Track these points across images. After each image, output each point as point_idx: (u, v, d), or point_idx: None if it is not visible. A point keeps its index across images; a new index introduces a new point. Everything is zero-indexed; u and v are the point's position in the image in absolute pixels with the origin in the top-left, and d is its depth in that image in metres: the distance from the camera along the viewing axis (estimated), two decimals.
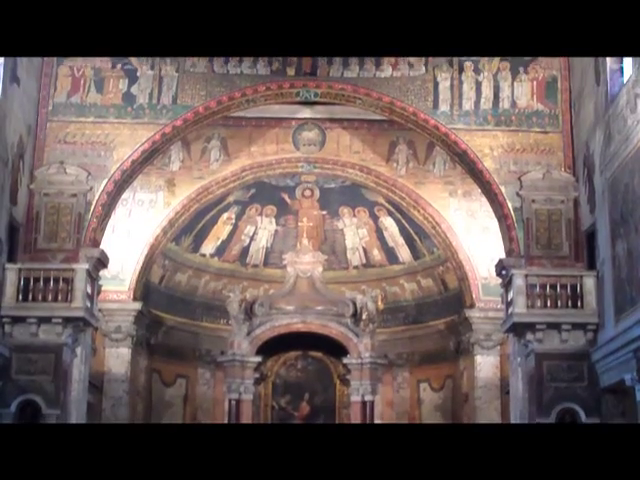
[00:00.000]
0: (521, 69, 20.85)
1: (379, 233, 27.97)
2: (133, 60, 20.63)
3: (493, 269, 21.75)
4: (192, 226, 26.60)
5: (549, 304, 19.40)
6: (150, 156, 21.10)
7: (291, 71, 20.76)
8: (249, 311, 26.39)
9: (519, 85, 20.88)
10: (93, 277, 20.08)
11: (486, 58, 20.71)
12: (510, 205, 20.34)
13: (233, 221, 27.62)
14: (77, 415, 19.71)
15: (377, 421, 26.54)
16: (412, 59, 20.77)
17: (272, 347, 26.57)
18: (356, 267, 28.71)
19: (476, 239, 25.21)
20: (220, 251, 27.96)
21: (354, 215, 27.91)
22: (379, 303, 26.39)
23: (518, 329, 19.71)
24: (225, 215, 27.33)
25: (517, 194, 20.28)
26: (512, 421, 20.56)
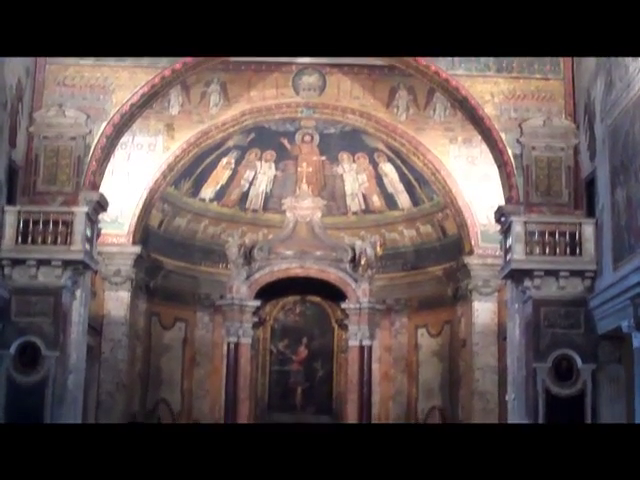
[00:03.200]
0: None
1: (379, 179, 27.93)
2: None
3: (492, 216, 21.75)
4: (191, 170, 26.55)
5: (547, 251, 19.45)
6: (149, 99, 21.01)
7: None
8: (248, 256, 26.47)
9: None
10: (92, 220, 20.09)
11: None
12: (510, 152, 20.31)
13: (232, 166, 27.56)
14: (77, 357, 19.83)
15: (374, 366, 26.74)
16: None
17: (271, 291, 26.70)
18: (355, 213, 28.71)
19: (476, 186, 25.19)
20: (219, 196, 27.94)
21: (354, 161, 27.84)
22: (378, 249, 26.47)
23: (516, 276, 19.78)
24: (224, 160, 27.26)
25: (517, 141, 20.25)
26: (508, 367, 20.71)
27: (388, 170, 27.53)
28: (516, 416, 19.91)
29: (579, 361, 19.02)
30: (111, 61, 20.37)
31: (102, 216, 21.44)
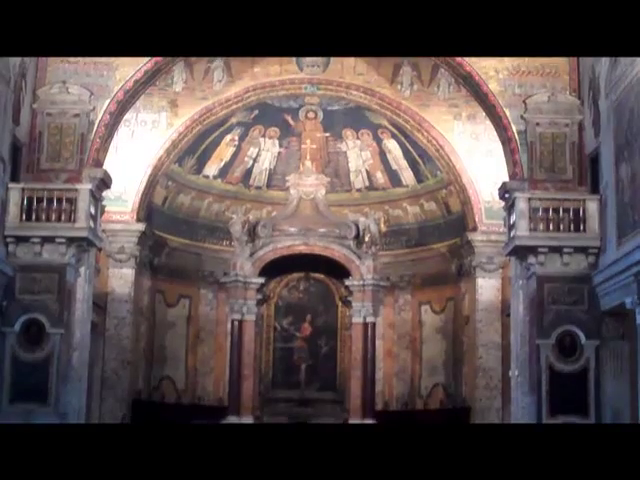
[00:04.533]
0: None
1: (382, 156, 27.88)
2: None
3: (496, 192, 21.76)
4: (195, 147, 26.53)
5: (551, 227, 19.45)
6: (153, 76, 20.96)
7: None
8: (252, 233, 26.44)
9: None
10: (96, 197, 20.10)
11: None
12: (514, 128, 20.26)
13: (236, 142, 27.52)
14: (81, 334, 19.88)
15: (378, 342, 26.76)
16: None
17: (275, 269, 26.69)
18: (359, 190, 28.68)
19: (480, 162, 25.16)
20: (223, 173, 27.92)
21: (358, 137, 27.78)
22: (382, 226, 26.45)
23: (520, 252, 19.78)
24: (228, 136, 27.21)
25: (521, 117, 20.19)
26: (512, 343, 20.73)
27: (392, 147, 27.48)
28: (519, 392, 19.95)
29: (582, 337, 19.05)
30: None
31: (106, 193, 21.46)
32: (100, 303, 23.87)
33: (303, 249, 26.43)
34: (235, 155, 27.79)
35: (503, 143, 20.87)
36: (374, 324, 26.14)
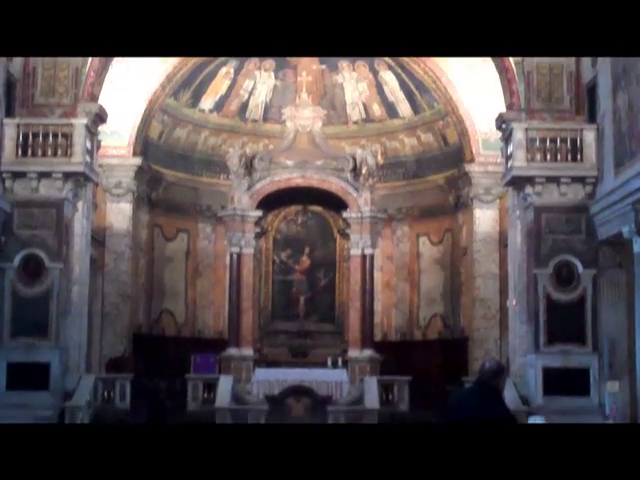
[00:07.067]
0: None
1: (379, 88, 27.71)
2: None
3: (493, 123, 21.66)
4: (190, 81, 26.36)
5: (549, 157, 19.45)
6: None
7: None
8: (249, 166, 26.28)
9: None
10: (92, 132, 20.05)
11: None
12: (511, 58, 20.13)
13: (232, 75, 27.32)
14: (80, 269, 19.98)
15: (376, 274, 26.84)
16: None
17: (272, 202, 26.66)
18: (356, 122, 28.55)
19: (477, 93, 25.00)
20: (219, 106, 27.77)
21: (354, 69, 27.58)
22: (379, 158, 26.27)
23: (517, 183, 19.81)
24: (223, 69, 27.01)
25: None
26: (510, 273, 20.83)
27: (388, 78, 27.30)
28: (517, 322, 20.11)
29: (580, 266, 19.17)
30: None
31: (101, 128, 21.37)
32: (99, 238, 23.94)
33: (300, 182, 26.30)
34: (231, 88, 27.61)
35: (500, 73, 20.75)
36: (372, 256, 26.13)
